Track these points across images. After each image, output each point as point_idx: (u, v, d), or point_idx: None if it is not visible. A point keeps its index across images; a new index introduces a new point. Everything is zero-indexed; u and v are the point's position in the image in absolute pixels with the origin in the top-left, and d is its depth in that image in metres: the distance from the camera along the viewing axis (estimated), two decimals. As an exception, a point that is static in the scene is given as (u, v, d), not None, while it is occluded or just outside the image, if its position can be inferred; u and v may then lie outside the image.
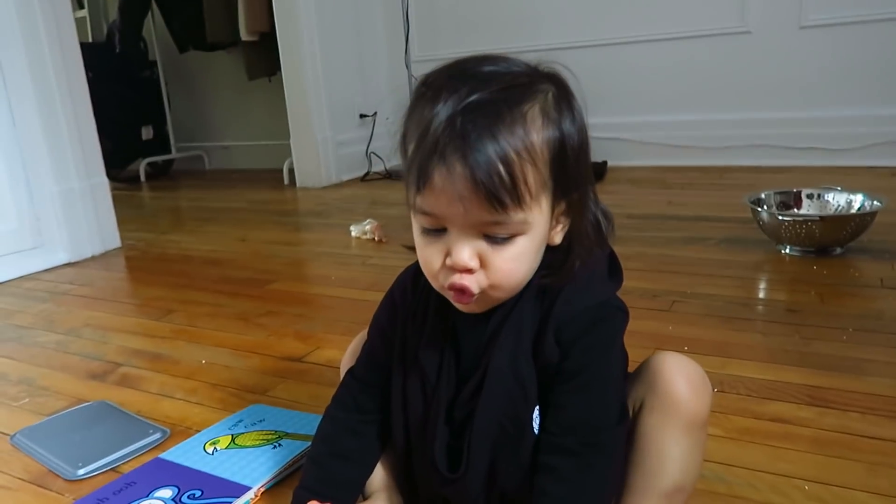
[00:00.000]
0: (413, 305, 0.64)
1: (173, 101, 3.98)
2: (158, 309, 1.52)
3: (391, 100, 3.40)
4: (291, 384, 1.08)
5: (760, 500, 0.71)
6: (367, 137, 3.32)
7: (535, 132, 0.50)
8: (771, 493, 0.72)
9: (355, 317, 1.35)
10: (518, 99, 0.50)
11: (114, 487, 0.81)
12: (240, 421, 0.94)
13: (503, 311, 0.57)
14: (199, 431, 0.93)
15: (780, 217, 1.53)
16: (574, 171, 0.54)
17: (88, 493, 0.81)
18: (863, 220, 1.49)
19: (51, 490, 0.84)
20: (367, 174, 3.26)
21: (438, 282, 0.55)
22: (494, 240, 0.52)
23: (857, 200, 1.58)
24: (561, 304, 0.56)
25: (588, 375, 0.55)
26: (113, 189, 2.21)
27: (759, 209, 1.58)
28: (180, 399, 1.06)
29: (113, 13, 3.86)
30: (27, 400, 1.10)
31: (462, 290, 0.53)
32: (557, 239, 0.57)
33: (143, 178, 3.79)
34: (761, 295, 1.37)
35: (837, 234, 1.49)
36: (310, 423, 0.92)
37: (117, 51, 3.62)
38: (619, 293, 0.60)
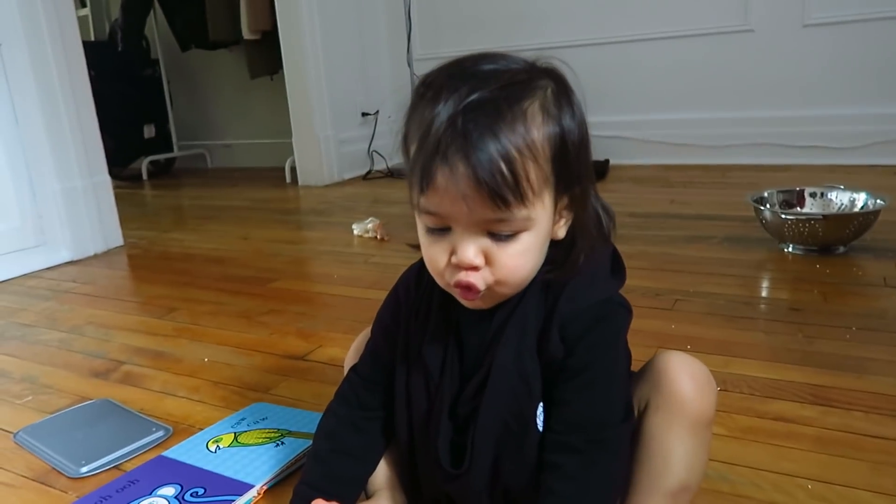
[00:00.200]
0: (416, 303, 0.64)
1: (175, 99, 3.99)
2: (161, 307, 1.52)
3: (393, 98, 3.40)
4: (294, 382, 1.08)
5: (764, 499, 0.71)
6: (369, 136, 3.32)
7: (535, 129, 0.50)
8: (774, 492, 0.72)
9: (357, 315, 1.35)
10: (518, 96, 0.50)
11: (117, 485, 0.81)
12: (242, 419, 0.94)
13: (508, 308, 0.57)
14: (201, 429, 0.93)
15: (783, 216, 1.53)
16: (575, 166, 0.54)
17: (91, 491, 0.81)
18: (866, 218, 1.48)
19: (54, 488, 0.84)
20: (369, 172, 3.26)
21: (444, 279, 0.55)
22: (499, 237, 0.52)
23: (861, 199, 1.58)
24: (565, 301, 0.56)
25: (592, 372, 0.55)
26: (115, 187, 2.21)
27: (762, 208, 1.58)
28: (183, 397, 1.06)
29: (115, 11, 3.86)
30: (30, 398, 1.10)
31: (468, 288, 0.53)
32: (561, 233, 0.57)
33: (145, 176, 3.79)
34: (764, 294, 1.36)
35: (840, 233, 1.49)
36: (312, 421, 0.92)
37: (120, 49, 3.63)
38: (621, 292, 0.60)
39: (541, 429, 0.57)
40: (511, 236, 0.52)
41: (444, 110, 0.49)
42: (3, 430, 1.00)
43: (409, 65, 3.20)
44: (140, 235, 2.29)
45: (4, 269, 1.86)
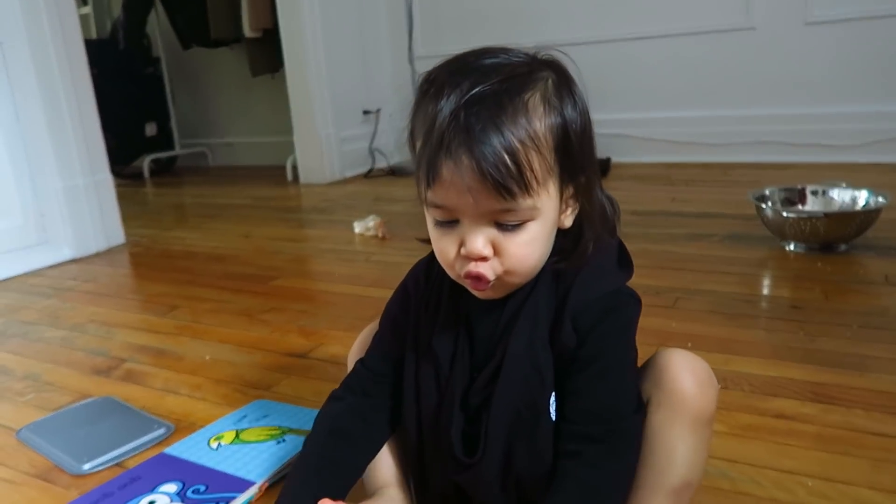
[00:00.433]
0: (426, 295, 0.65)
1: (177, 97, 3.99)
2: (163, 305, 1.52)
3: (395, 96, 3.40)
4: (295, 380, 1.08)
5: (764, 496, 0.71)
6: (370, 134, 3.32)
7: (537, 120, 0.51)
8: (775, 489, 0.72)
9: (359, 313, 1.35)
10: (519, 88, 0.51)
11: (119, 482, 0.81)
12: (244, 416, 0.95)
13: (519, 298, 0.58)
14: (203, 427, 0.94)
15: (785, 214, 1.53)
16: (579, 155, 0.55)
17: (94, 488, 0.81)
18: (868, 216, 1.48)
19: (56, 485, 0.84)
20: (370, 171, 3.26)
21: (455, 271, 0.56)
22: (506, 227, 0.53)
23: (862, 197, 1.58)
24: (577, 291, 0.57)
25: (605, 362, 0.56)
26: (117, 185, 2.22)
27: (764, 206, 1.58)
28: (185, 395, 1.07)
29: (117, 10, 3.86)
30: (32, 395, 1.11)
31: (478, 278, 0.54)
32: (568, 222, 0.58)
33: (146, 174, 3.79)
34: (765, 292, 1.36)
35: (842, 231, 1.48)
36: (314, 418, 0.92)
37: (121, 47, 3.63)
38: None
39: (553, 418, 0.58)
40: (518, 226, 0.53)
41: (446, 105, 0.50)
42: (5, 427, 1.00)
43: (411, 62, 3.19)
44: (142, 233, 2.29)
45: (6, 266, 1.86)
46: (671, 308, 1.25)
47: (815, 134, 2.61)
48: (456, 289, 0.61)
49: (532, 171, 0.51)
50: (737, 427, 0.84)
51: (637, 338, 0.60)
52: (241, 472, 0.80)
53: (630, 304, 0.59)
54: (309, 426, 0.89)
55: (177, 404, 1.03)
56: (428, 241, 0.59)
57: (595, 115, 0.57)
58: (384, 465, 0.69)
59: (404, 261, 1.69)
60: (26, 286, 1.77)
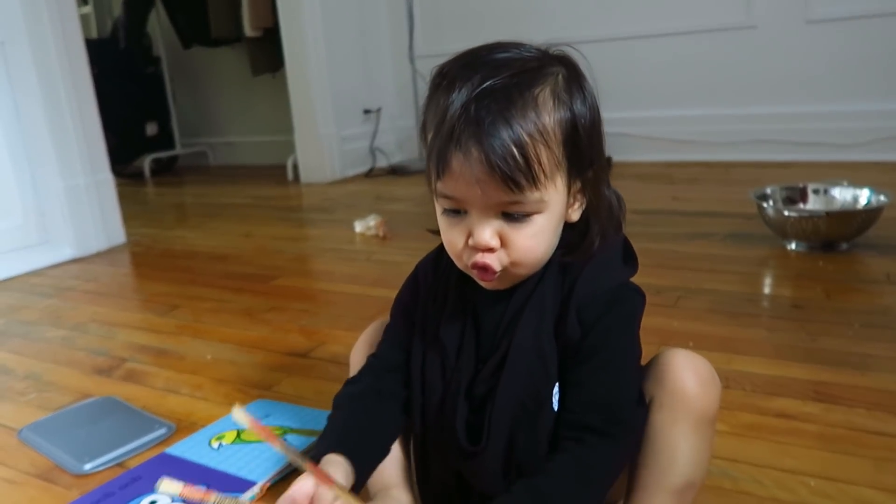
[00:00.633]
0: (434, 286, 0.65)
1: (177, 96, 3.99)
2: (164, 304, 1.52)
3: (395, 96, 3.40)
4: (296, 380, 1.08)
5: (766, 495, 0.71)
6: (371, 133, 3.32)
7: (546, 114, 0.52)
8: (776, 488, 0.72)
9: (360, 312, 1.35)
10: (529, 83, 0.52)
11: (120, 482, 0.81)
12: (245, 416, 0.95)
13: (526, 290, 0.59)
14: (204, 426, 0.94)
15: (786, 212, 1.53)
16: (587, 150, 0.56)
17: (95, 488, 0.81)
18: (869, 215, 1.48)
19: (57, 484, 0.84)
20: (371, 170, 3.26)
21: (462, 261, 0.57)
22: (513, 218, 0.54)
23: (864, 195, 1.58)
24: (583, 284, 0.57)
25: (608, 355, 0.57)
26: (118, 185, 2.22)
27: (765, 204, 1.58)
28: (186, 394, 1.07)
29: (117, 9, 3.86)
30: (34, 395, 1.11)
31: (485, 268, 0.55)
32: (575, 216, 0.59)
33: (147, 173, 3.79)
34: (767, 291, 1.36)
35: (843, 230, 1.48)
36: (315, 418, 0.92)
37: (122, 47, 3.63)
38: None
39: (556, 408, 0.58)
40: (525, 218, 0.54)
41: (458, 98, 0.51)
42: (6, 427, 1.00)
43: (412, 61, 3.19)
44: (143, 233, 2.29)
45: (7, 266, 1.86)
46: (672, 307, 1.25)
47: (816, 132, 2.61)
48: (463, 280, 0.62)
49: (540, 164, 0.51)
50: (738, 426, 0.84)
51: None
52: (243, 473, 0.80)
53: (635, 299, 0.59)
54: (310, 426, 0.90)
55: (178, 404, 1.03)
56: (437, 232, 0.60)
57: (596, 114, 0.57)
58: (387, 466, 0.69)
59: (405, 260, 1.70)
60: (27, 286, 1.77)
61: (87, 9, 4.05)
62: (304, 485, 0.54)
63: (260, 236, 2.16)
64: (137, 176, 3.77)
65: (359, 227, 2.03)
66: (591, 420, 0.55)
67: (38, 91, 1.91)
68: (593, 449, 0.55)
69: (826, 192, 1.64)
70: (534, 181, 0.51)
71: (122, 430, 0.95)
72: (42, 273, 1.88)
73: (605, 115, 0.60)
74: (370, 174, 3.21)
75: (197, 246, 2.10)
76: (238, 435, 0.89)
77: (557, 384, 0.58)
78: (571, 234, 0.59)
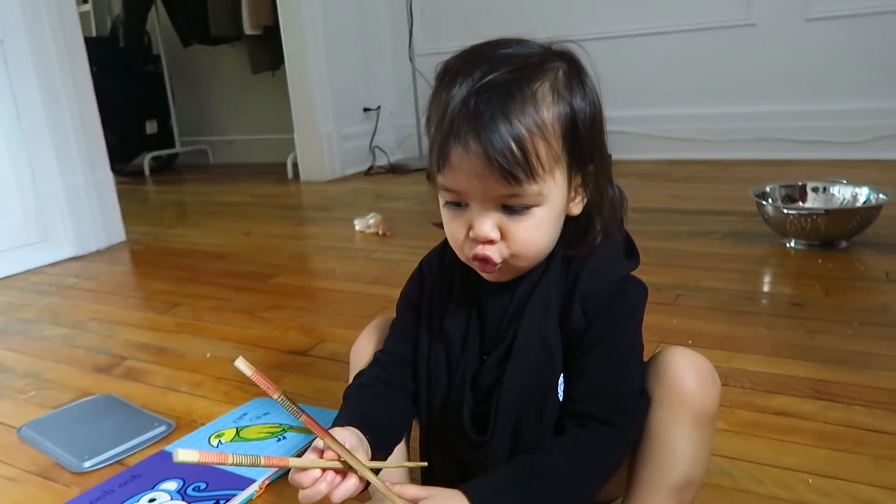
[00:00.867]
0: (439, 278, 0.66)
1: (177, 95, 3.99)
2: (163, 302, 1.52)
3: (395, 94, 3.40)
4: (296, 377, 1.09)
5: (765, 493, 0.71)
6: (370, 131, 3.32)
7: (545, 109, 0.53)
8: (775, 486, 0.72)
9: (359, 310, 1.35)
10: (529, 78, 0.53)
11: (120, 480, 0.81)
12: (244, 414, 0.95)
13: (530, 282, 0.59)
14: (204, 424, 0.94)
15: (786, 211, 1.53)
16: (588, 144, 0.56)
17: (94, 486, 0.81)
18: (868, 213, 1.48)
19: (57, 482, 0.84)
20: (371, 168, 3.26)
21: (464, 253, 0.58)
22: (513, 211, 0.54)
23: (863, 194, 1.58)
24: (587, 277, 0.58)
25: (610, 345, 0.57)
26: (117, 183, 2.22)
27: (765, 203, 1.58)
28: (185, 392, 1.07)
29: (117, 7, 3.86)
30: (33, 393, 1.11)
31: (485, 260, 0.56)
32: (576, 210, 0.59)
33: (147, 172, 3.79)
34: (766, 289, 1.36)
35: (843, 228, 1.48)
36: (314, 416, 0.92)
37: (121, 45, 3.63)
38: None
39: (561, 398, 0.59)
40: (525, 211, 0.54)
41: (458, 93, 0.52)
42: (6, 425, 1.00)
43: (411, 60, 3.19)
44: (142, 231, 2.29)
45: (7, 265, 1.86)
46: (672, 305, 1.25)
47: (816, 130, 2.61)
48: (468, 273, 0.62)
49: (538, 158, 0.52)
50: (737, 424, 0.84)
51: (638, 331, 0.60)
52: (242, 470, 0.80)
53: (638, 291, 0.60)
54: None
55: (177, 402, 1.03)
56: (441, 226, 0.61)
57: (595, 112, 0.57)
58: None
59: (405, 258, 1.70)
60: (27, 284, 1.77)
61: (87, 7, 4.05)
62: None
63: (260, 234, 2.16)
64: (137, 174, 3.77)
65: (358, 225, 2.03)
66: (595, 409, 0.56)
67: (38, 89, 1.91)
68: (595, 434, 0.55)
69: (825, 190, 1.64)
70: (532, 174, 0.52)
71: (121, 427, 0.95)
72: (42, 271, 1.88)
73: (605, 112, 0.60)
74: (370, 172, 3.21)
75: (197, 244, 2.10)
76: (237, 432, 0.89)
77: (562, 375, 0.59)
78: (574, 229, 0.60)
